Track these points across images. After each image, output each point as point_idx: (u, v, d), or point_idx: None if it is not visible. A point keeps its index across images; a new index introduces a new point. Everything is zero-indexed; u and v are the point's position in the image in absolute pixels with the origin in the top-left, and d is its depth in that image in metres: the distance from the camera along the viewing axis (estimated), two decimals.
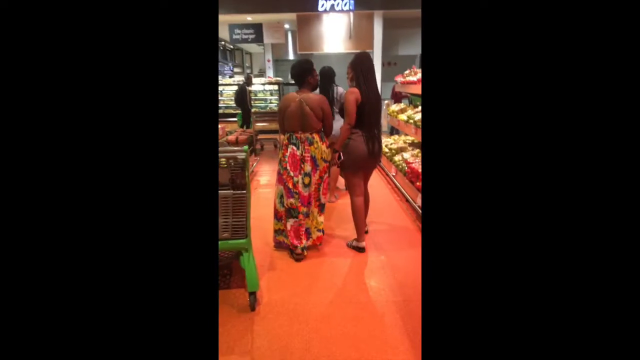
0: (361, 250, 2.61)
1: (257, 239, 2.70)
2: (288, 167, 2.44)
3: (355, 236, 2.65)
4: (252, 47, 13.90)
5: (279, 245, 2.68)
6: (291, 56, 10.04)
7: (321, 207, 2.58)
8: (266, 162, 5.84)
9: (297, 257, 2.52)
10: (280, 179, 2.50)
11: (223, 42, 12.24)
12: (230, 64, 13.52)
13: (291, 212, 2.50)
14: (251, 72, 14.77)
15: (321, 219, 2.61)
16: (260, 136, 6.78)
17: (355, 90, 2.36)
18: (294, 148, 2.41)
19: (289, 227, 2.51)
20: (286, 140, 2.45)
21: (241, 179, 1.89)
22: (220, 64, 11.79)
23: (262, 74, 10.96)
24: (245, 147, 1.98)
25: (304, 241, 2.50)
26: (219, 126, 7.13)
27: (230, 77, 9.43)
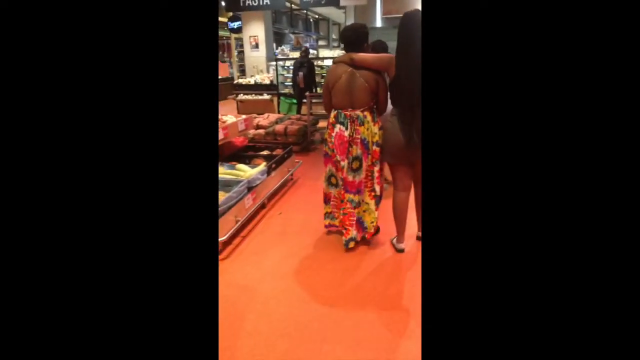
0: (399, 250, 2.20)
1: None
2: (335, 150, 2.10)
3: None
4: (341, 16, 12.42)
5: (330, 231, 2.42)
6: (378, 23, 8.29)
7: (377, 200, 2.19)
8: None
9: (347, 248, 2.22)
10: (328, 160, 2.19)
11: (305, 12, 11.04)
12: (313, 36, 12.31)
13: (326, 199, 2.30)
14: (339, 46, 13.34)
15: (376, 213, 2.21)
16: (323, 123, 5.44)
17: (392, 56, 1.91)
18: (342, 128, 2.04)
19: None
20: (333, 119, 2.09)
21: None
22: (301, 36, 10.67)
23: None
24: None
25: (352, 231, 2.18)
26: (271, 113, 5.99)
27: (314, 50, 8.14)
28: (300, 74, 5.53)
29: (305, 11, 10.96)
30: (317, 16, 12.54)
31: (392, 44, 2.65)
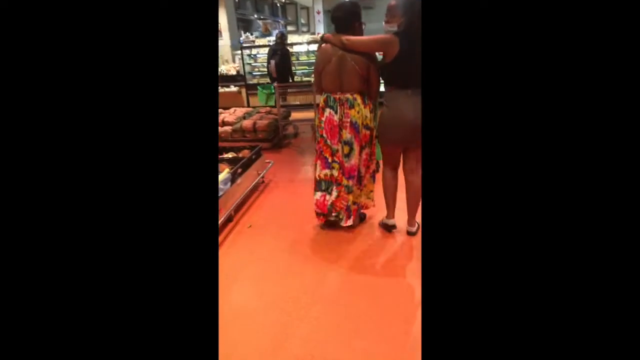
0: (389, 228, 2.18)
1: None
2: (325, 135, 2.03)
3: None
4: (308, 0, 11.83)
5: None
6: None
7: (359, 181, 2.15)
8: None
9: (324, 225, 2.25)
10: (318, 147, 2.10)
11: None
12: (281, 22, 11.72)
13: (322, 184, 2.13)
14: (308, 30, 12.75)
15: (372, 186, 2.22)
16: (296, 115, 5.06)
17: (391, 37, 1.76)
18: (332, 112, 1.97)
19: (317, 198, 2.15)
20: (322, 103, 2.01)
21: None
22: (268, 22, 10.10)
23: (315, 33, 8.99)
24: None
25: (342, 213, 2.14)
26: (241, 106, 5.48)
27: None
28: (272, 62, 5.05)
29: None
30: (283, 0, 11.97)
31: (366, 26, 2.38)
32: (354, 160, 2.02)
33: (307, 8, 12.98)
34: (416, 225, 2.18)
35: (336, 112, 1.95)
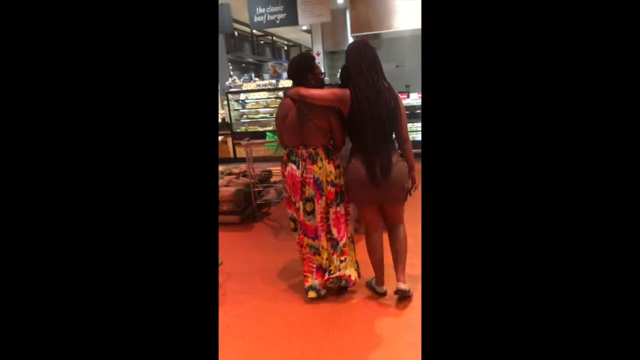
0: (381, 294, 1.95)
1: None
2: (289, 190, 1.94)
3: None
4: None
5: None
6: None
7: (334, 246, 1.89)
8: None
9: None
10: (288, 202, 1.98)
11: (271, 37, 10.04)
12: (285, 64, 11.32)
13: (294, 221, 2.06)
14: None
15: (339, 262, 1.88)
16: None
17: (345, 92, 1.73)
18: (293, 167, 1.87)
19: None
20: (285, 157, 1.94)
21: None
22: (273, 64, 9.62)
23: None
24: None
25: (311, 279, 1.94)
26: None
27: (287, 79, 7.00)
28: None
29: (271, 37, 9.99)
30: (286, 42, 11.62)
31: None
32: (317, 220, 1.87)
33: (310, 50, 12.64)
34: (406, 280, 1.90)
35: (298, 167, 1.85)
